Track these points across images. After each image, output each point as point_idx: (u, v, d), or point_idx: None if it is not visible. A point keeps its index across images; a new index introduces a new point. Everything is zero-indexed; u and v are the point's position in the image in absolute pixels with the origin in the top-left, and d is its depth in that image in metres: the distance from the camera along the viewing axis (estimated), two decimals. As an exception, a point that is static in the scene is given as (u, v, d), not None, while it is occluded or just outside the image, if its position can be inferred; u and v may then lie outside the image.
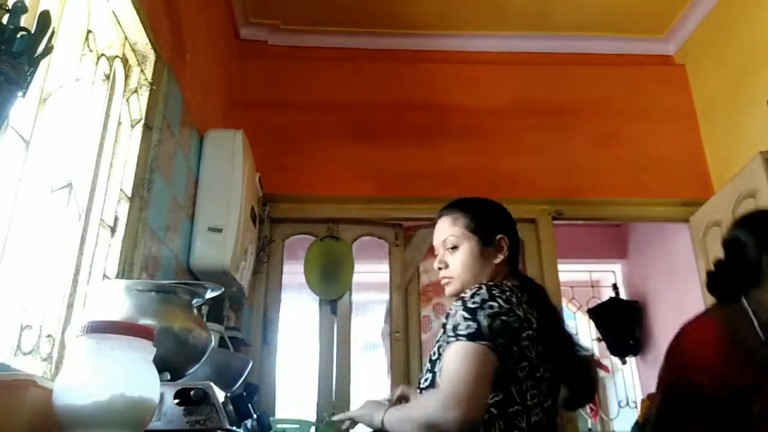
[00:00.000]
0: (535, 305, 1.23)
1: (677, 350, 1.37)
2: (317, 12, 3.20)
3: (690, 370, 1.30)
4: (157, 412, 1.00)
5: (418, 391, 1.26)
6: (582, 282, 4.43)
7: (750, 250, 1.30)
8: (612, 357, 4.19)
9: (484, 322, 1.11)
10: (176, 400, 1.09)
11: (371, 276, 3.50)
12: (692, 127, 3.22)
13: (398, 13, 3.20)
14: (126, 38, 1.75)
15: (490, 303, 1.14)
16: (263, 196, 2.80)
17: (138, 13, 1.68)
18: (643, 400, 1.65)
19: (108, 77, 1.65)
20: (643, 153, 3.12)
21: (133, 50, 1.80)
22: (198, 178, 2.27)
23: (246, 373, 1.68)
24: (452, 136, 3.10)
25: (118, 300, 1.15)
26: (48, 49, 0.95)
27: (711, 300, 1.45)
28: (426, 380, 1.22)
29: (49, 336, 1.30)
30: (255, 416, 1.42)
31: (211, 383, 1.15)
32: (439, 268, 1.36)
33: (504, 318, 1.12)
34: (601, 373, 4.48)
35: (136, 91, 1.82)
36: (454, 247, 1.33)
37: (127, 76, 1.79)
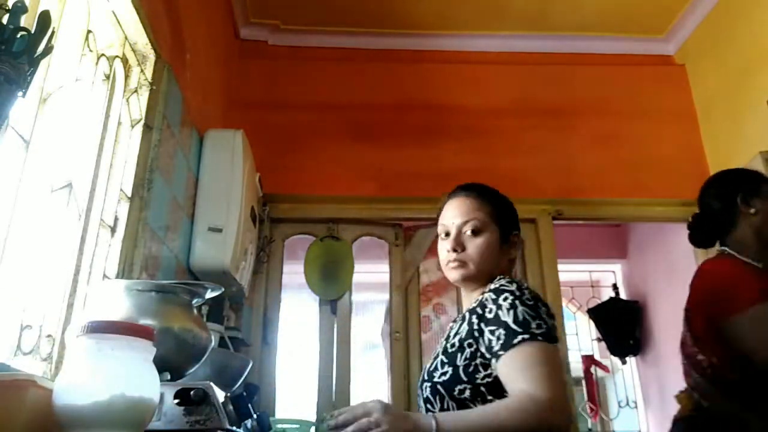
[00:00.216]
0: None
1: (703, 275, 1.60)
2: (317, 12, 3.20)
3: (722, 281, 1.52)
4: (157, 412, 1.00)
5: (429, 385, 1.14)
6: (582, 282, 4.43)
7: (716, 203, 1.64)
8: (612, 357, 4.19)
9: (549, 321, 1.07)
10: (176, 400, 1.09)
11: (371, 276, 3.50)
12: (692, 127, 3.23)
13: (398, 13, 3.20)
14: (126, 38, 1.75)
15: (541, 302, 1.11)
16: (263, 196, 2.80)
17: (138, 13, 1.68)
18: (678, 395, 1.63)
19: (108, 77, 1.65)
20: (643, 153, 3.12)
21: (133, 50, 1.80)
22: (198, 178, 2.27)
23: (246, 373, 1.68)
24: (452, 136, 3.10)
25: (118, 300, 1.15)
26: (48, 49, 0.95)
27: (684, 307, 1.65)
28: (444, 374, 1.12)
29: (49, 336, 1.30)
30: (255, 416, 1.41)
31: (211, 383, 1.15)
32: (454, 250, 1.25)
33: (552, 319, 1.09)
34: (601, 373, 4.48)
35: (136, 91, 1.82)
36: (477, 232, 1.25)
37: (127, 76, 1.79)
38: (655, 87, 3.31)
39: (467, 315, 1.17)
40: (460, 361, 1.11)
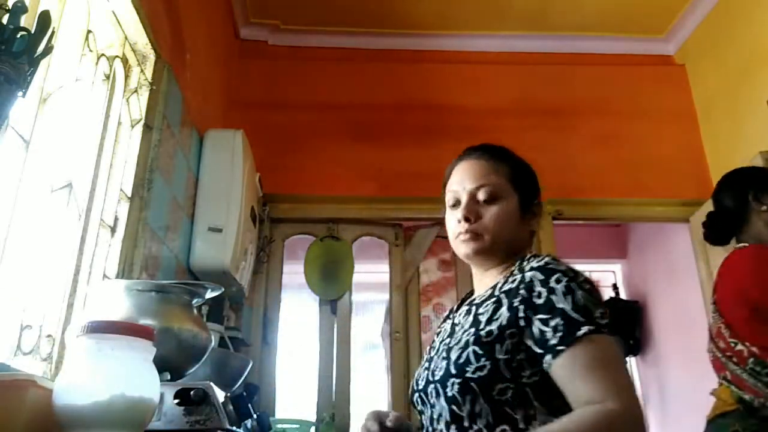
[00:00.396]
0: None
1: (739, 261, 1.61)
2: (317, 12, 3.20)
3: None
4: (157, 412, 1.00)
5: (457, 382, 0.91)
6: (582, 282, 4.42)
7: (729, 201, 1.69)
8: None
9: (606, 309, 0.91)
10: (176, 400, 1.09)
11: (371, 276, 3.50)
12: (692, 127, 3.22)
13: (398, 13, 3.20)
14: (126, 38, 1.75)
15: (592, 285, 0.94)
16: (263, 196, 2.80)
17: (138, 13, 1.68)
18: (716, 390, 1.61)
19: (108, 77, 1.65)
20: (643, 153, 3.12)
21: (133, 50, 1.80)
22: (198, 178, 2.27)
23: (246, 373, 1.68)
24: (452, 136, 3.09)
25: (118, 300, 1.15)
26: (48, 49, 0.95)
27: (710, 300, 1.64)
28: (480, 369, 0.90)
29: (49, 336, 1.30)
30: (255, 416, 1.42)
31: (211, 383, 1.15)
32: (467, 219, 1.05)
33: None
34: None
35: (136, 91, 1.82)
36: (493, 198, 1.05)
37: (127, 76, 1.79)
38: (655, 87, 3.31)
39: (503, 298, 0.96)
40: (500, 354, 0.90)
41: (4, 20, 0.89)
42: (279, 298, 2.89)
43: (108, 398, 0.81)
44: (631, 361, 4.16)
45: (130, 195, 1.72)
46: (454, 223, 1.08)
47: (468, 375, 0.90)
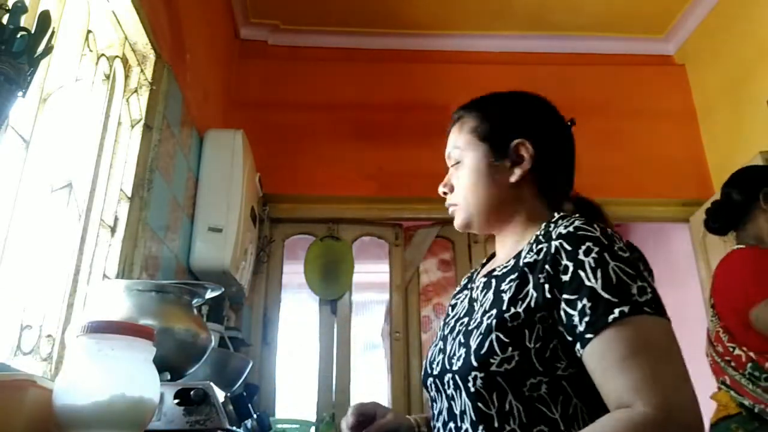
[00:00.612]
0: None
1: (729, 263, 1.63)
2: (317, 12, 3.20)
3: (750, 268, 1.55)
4: (157, 412, 1.00)
5: (481, 375, 0.76)
6: (582, 282, 4.42)
7: (737, 194, 1.70)
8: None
9: (653, 283, 0.75)
10: (176, 400, 1.09)
11: (371, 276, 3.51)
12: (692, 127, 3.23)
13: (398, 13, 3.20)
14: (126, 38, 1.75)
15: (635, 252, 0.79)
16: (263, 196, 2.80)
17: (138, 13, 1.68)
18: (716, 394, 1.60)
19: (108, 77, 1.65)
20: (643, 153, 3.12)
21: (133, 50, 1.80)
22: (198, 178, 2.27)
23: (246, 373, 1.68)
24: (452, 136, 3.10)
25: (118, 300, 1.15)
26: (48, 49, 0.95)
27: (708, 303, 1.65)
28: (508, 361, 0.75)
29: (49, 336, 1.30)
30: (255, 416, 1.41)
31: (211, 383, 1.15)
32: (444, 194, 1.00)
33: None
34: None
35: (136, 91, 1.82)
36: (458, 163, 0.97)
37: (127, 76, 1.79)
38: (655, 87, 3.31)
39: (528, 272, 0.81)
40: (530, 342, 0.75)
41: (4, 20, 0.89)
42: (279, 298, 2.89)
43: (108, 398, 0.81)
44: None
45: (130, 195, 1.72)
46: None
47: (494, 368, 0.76)
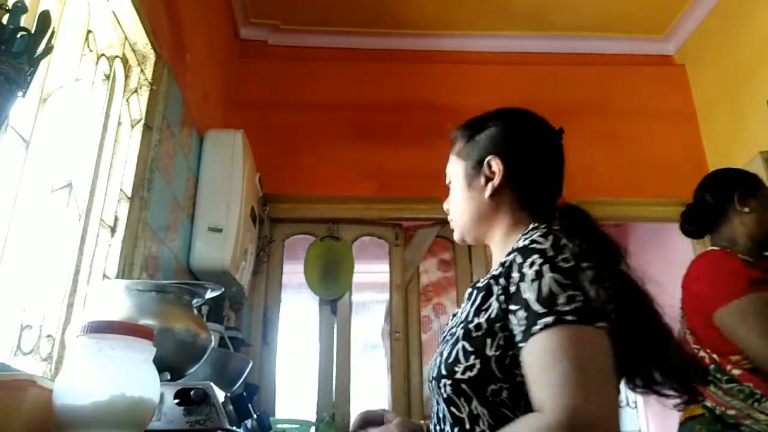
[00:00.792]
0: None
1: (696, 267, 1.64)
2: (317, 12, 3.20)
3: (715, 271, 1.57)
4: (157, 412, 1.00)
5: (449, 383, 0.83)
6: (582, 282, 4.42)
7: (710, 197, 1.69)
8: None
9: (591, 290, 0.76)
10: (176, 400, 1.09)
11: (371, 276, 3.50)
12: (692, 127, 3.22)
13: (398, 13, 3.20)
14: (126, 38, 1.75)
15: (587, 260, 0.80)
16: (263, 196, 2.80)
17: (138, 13, 1.68)
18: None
19: (108, 77, 1.65)
20: (643, 153, 3.12)
21: (133, 50, 1.80)
22: (198, 178, 2.27)
23: (246, 373, 1.68)
24: (452, 136, 3.09)
25: (118, 300, 1.15)
26: (48, 49, 0.95)
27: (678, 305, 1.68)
28: (470, 369, 0.81)
29: (49, 336, 1.30)
30: (255, 416, 1.42)
31: (211, 383, 1.15)
32: (447, 210, 1.08)
33: (606, 281, 0.80)
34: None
35: (136, 91, 1.82)
36: (449, 182, 1.07)
37: (127, 76, 1.79)
38: (655, 87, 3.31)
39: (492, 284, 0.85)
40: (490, 350, 0.80)
41: (4, 20, 0.89)
42: (279, 298, 2.89)
43: (108, 398, 0.81)
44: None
45: (130, 195, 1.72)
46: None
47: (458, 376, 0.81)
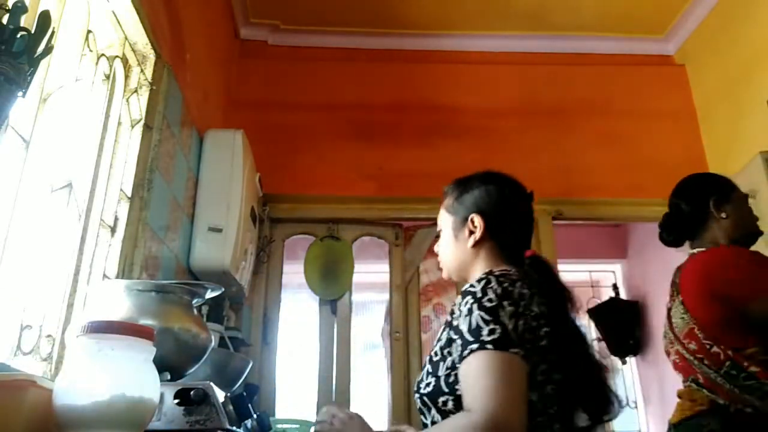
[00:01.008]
0: (546, 297, 1.08)
1: (708, 261, 1.61)
2: (317, 12, 3.20)
3: (737, 263, 1.56)
4: (157, 412, 1.00)
5: (417, 396, 1.09)
6: (582, 282, 4.43)
7: (686, 205, 1.71)
8: (612, 357, 4.19)
9: (510, 324, 0.97)
10: (176, 400, 1.09)
11: (371, 276, 3.50)
12: (692, 127, 3.22)
13: (398, 13, 3.20)
14: (126, 38, 1.75)
15: (508, 299, 1.00)
16: (263, 196, 2.80)
17: (138, 13, 1.68)
18: (685, 390, 1.60)
19: (108, 77, 1.65)
20: (643, 153, 3.12)
21: (133, 50, 1.80)
22: (198, 178, 2.27)
23: (246, 373, 1.68)
24: (452, 136, 3.09)
25: (118, 300, 1.15)
26: (48, 49, 0.95)
27: (673, 302, 1.68)
28: (428, 385, 1.06)
29: (49, 336, 1.30)
30: (255, 416, 1.42)
31: (211, 383, 1.15)
32: (437, 254, 1.31)
33: (526, 316, 1.00)
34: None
35: (136, 91, 1.82)
36: (438, 235, 1.28)
37: (127, 76, 1.79)
38: (655, 87, 3.30)
39: (449, 319, 1.09)
40: (442, 371, 1.04)
41: (4, 20, 0.89)
42: (279, 298, 2.89)
43: (108, 398, 0.81)
44: (631, 361, 4.17)
45: (130, 195, 1.72)
46: None
47: (422, 391, 1.07)
